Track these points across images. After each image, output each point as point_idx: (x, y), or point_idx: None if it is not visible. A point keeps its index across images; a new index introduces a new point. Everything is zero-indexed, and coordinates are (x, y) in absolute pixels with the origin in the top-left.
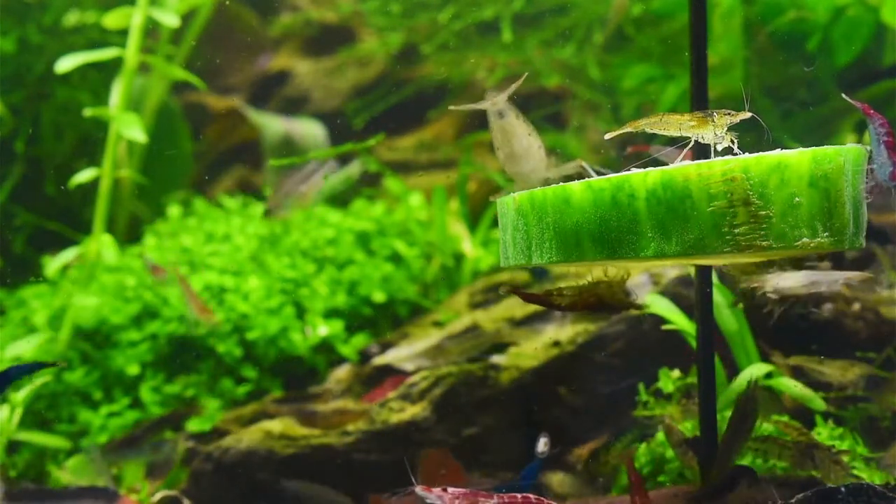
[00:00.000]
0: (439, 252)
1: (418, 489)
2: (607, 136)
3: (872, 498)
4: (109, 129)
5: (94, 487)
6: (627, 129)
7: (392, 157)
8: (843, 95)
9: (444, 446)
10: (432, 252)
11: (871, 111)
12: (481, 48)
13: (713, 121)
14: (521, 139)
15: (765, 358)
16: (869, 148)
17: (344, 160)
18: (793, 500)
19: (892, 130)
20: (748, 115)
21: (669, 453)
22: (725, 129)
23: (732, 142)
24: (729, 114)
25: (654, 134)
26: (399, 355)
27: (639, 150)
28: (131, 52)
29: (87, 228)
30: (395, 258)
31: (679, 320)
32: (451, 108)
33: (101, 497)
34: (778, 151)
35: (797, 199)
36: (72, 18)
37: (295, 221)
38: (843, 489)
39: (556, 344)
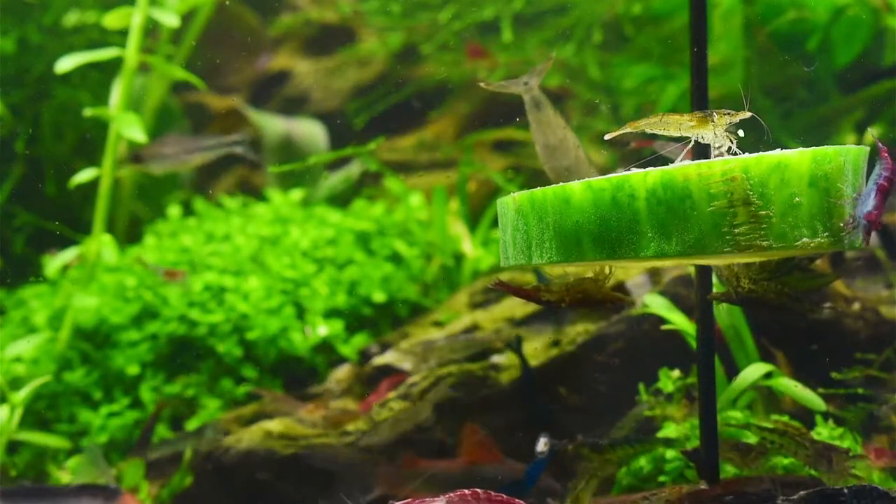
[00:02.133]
0: (439, 252)
1: None
2: (607, 137)
3: (876, 500)
4: (109, 129)
5: (94, 485)
6: (627, 129)
7: (392, 157)
8: (872, 134)
9: (444, 446)
10: (432, 252)
11: (886, 155)
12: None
13: (713, 121)
14: (556, 131)
15: (765, 357)
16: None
17: (343, 160)
18: (795, 497)
19: (893, 178)
20: (748, 115)
21: (669, 453)
22: (725, 128)
23: (732, 142)
24: (729, 114)
25: (654, 133)
26: (399, 355)
27: (643, 146)
28: (131, 52)
29: (87, 228)
30: (395, 258)
31: (679, 320)
32: (482, 84)
33: (101, 495)
34: (778, 151)
35: (797, 199)
36: (72, 18)
37: (295, 220)
38: (846, 490)
39: (556, 344)
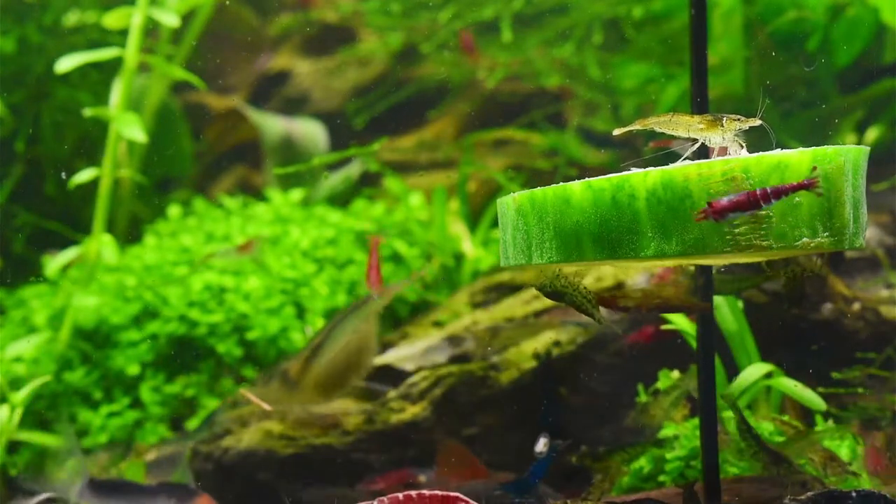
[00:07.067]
0: (439, 252)
1: None
2: (616, 133)
3: None
4: (109, 129)
5: (172, 484)
6: (636, 126)
7: (392, 157)
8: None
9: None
10: (432, 252)
11: (797, 183)
12: (481, 48)
13: (722, 125)
14: None
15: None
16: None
17: (343, 160)
18: (802, 497)
19: (770, 197)
20: (758, 122)
21: (669, 454)
22: (734, 134)
23: (741, 146)
24: (739, 119)
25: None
26: (399, 355)
27: (661, 145)
28: (131, 52)
29: (87, 228)
30: (396, 258)
31: (679, 320)
32: None
33: (178, 494)
34: (778, 151)
35: (797, 198)
36: (72, 18)
37: (295, 220)
38: (854, 494)
39: (556, 344)
